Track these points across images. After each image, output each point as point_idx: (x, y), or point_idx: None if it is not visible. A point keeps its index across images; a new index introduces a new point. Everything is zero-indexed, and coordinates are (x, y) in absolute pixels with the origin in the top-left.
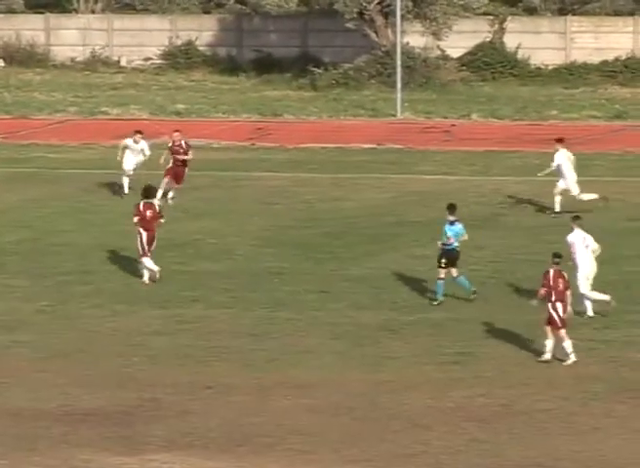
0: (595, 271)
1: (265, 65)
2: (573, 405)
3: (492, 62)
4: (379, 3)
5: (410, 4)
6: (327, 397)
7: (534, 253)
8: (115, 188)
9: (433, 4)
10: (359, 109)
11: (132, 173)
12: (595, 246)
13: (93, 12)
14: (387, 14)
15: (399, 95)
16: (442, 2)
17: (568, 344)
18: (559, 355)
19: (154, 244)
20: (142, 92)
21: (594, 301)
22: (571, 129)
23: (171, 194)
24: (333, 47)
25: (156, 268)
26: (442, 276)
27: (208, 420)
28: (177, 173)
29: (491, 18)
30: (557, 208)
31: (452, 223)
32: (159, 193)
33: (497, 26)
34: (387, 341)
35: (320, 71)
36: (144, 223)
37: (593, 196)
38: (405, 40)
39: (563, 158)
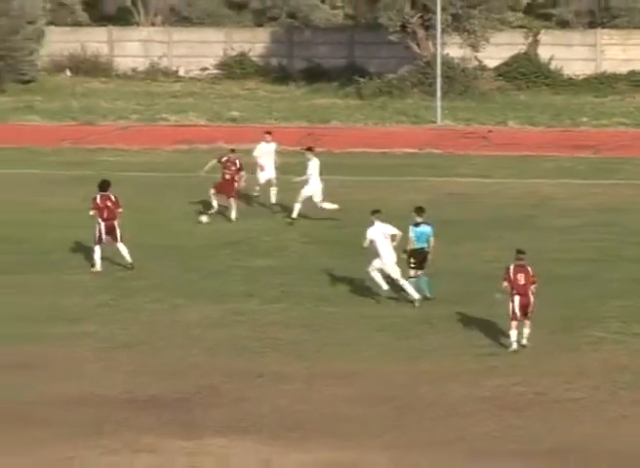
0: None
1: (314, 75)
2: (602, 393)
3: (527, 73)
4: (420, 17)
5: (449, 18)
6: (370, 386)
7: (564, 251)
8: (174, 190)
9: (472, 18)
10: (402, 116)
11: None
12: (397, 232)
13: (153, 25)
14: (428, 27)
15: (439, 103)
16: (480, 16)
17: (513, 333)
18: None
19: (117, 233)
20: (200, 99)
21: (403, 284)
22: (601, 135)
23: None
24: (378, 58)
25: (129, 259)
26: (412, 275)
27: (261, 407)
28: (225, 188)
29: (525, 31)
30: (295, 214)
31: (417, 225)
32: (214, 204)
33: (531, 39)
34: (426, 334)
35: (365, 81)
36: (102, 214)
37: (334, 206)
38: (445, 51)
39: (314, 166)
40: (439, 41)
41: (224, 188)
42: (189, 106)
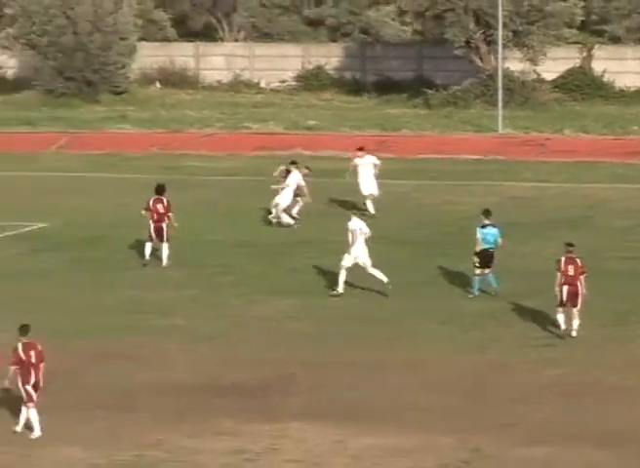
0: (367, 251)
1: (385, 87)
2: None
3: (581, 85)
4: (483, 33)
5: (510, 34)
6: (437, 375)
7: (619, 249)
8: (256, 193)
9: (531, 34)
10: (466, 125)
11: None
12: (368, 231)
13: (236, 40)
14: (490, 42)
15: (500, 112)
16: (538, 32)
17: (560, 318)
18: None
19: (164, 233)
20: (279, 109)
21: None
22: None
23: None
24: (444, 71)
25: (164, 259)
26: (477, 273)
27: (336, 394)
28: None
29: (580, 46)
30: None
31: (484, 227)
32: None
33: (585, 54)
34: (490, 327)
35: (433, 92)
36: (152, 216)
37: (290, 222)
38: (506, 65)
39: (294, 180)
40: (500, 55)
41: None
42: (270, 115)
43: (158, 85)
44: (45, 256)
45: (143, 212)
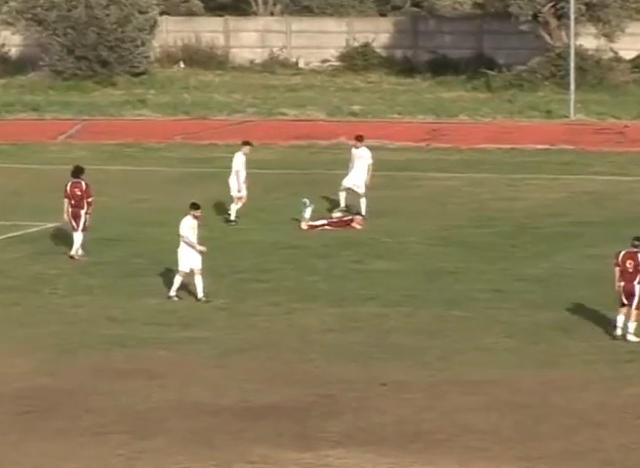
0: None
1: (440, 67)
2: None
3: None
4: (552, 6)
5: (583, 7)
6: (499, 394)
7: None
8: (293, 188)
9: (606, 7)
10: (533, 110)
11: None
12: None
13: (271, 14)
14: (561, 16)
15: (572, 96)
16: (615, 5)
17: (619, 319)
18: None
19: (80, 221)
20: (319, 93)
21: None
22: None
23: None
24: (507, 49)
25: (74, 250)
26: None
27: (382, 417)
28: None
29: None
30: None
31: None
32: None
33: None
34: (561, 340)
35: (494, 73)
36: (70, 201)
37: (233, 215)
38: (578, 42)
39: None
40: (572, 31)
41: None
42: (308, 100)
43: (182, 65)
44: (54, 260)
45: (65, 201)
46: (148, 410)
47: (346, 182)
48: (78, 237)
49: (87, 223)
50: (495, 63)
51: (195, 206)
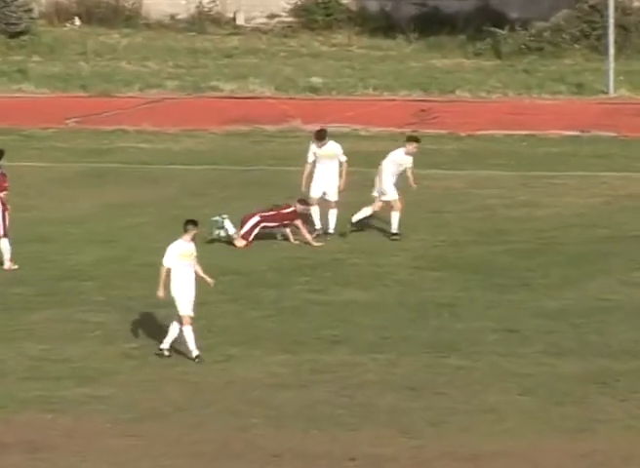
0: None
1: (431, 24)
2: None
3: None
4: None
5: None
6: None
7: None
8: (228, 190)
9: None
10: (558, 84)
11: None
12: None
13: None
14: None
15: (611, 65)
16: None
17: None
18: None
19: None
20: (266, 60)
21: None
22: None
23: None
24: None
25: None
26: None
27: None
28: None
29: None
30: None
31: None
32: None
33: None
34: (596, 398)
35: (504, 32)
36: None
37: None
38: None
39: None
40: None
41: None
42: (250, 70)
43: (77, 22)
44: None
45: None
46: None
47: (315, 192)
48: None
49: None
50: (505, 19)
51: (191, 222)
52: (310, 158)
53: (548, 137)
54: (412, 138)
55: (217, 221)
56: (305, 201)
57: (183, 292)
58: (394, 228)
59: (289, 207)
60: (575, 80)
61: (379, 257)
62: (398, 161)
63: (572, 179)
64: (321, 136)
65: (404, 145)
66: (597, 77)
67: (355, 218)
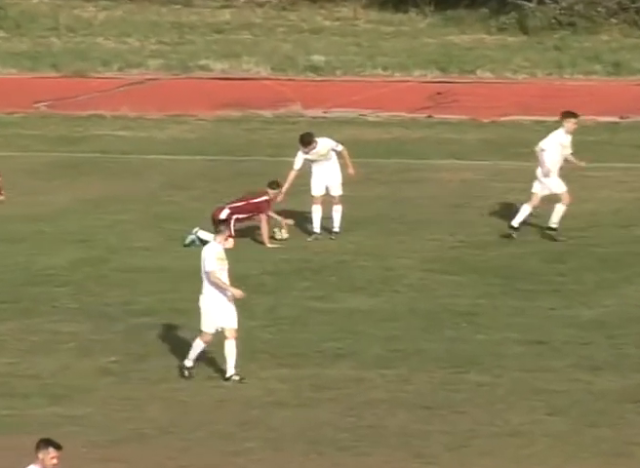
0: None
1: None
2: None
3: None
4: None
5: None
6: None
7: None
8: (218, 183)
9: None
10: (593, 63)
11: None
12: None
13: None
14: None
15: None
16: None
17: None
18: None
19: None
20: (261, 36)
21: None
22: None
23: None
24: None
25: None
26: None
27: None
28: None
29: None
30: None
31: None
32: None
33: None
34: (634, 418)
35: (532, 5)
36: None
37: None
38: None
39: None
40: None
41: None
42: (244, 47)
43: None
44: None
45: None
46: None
47: (316, 190)
48: None
49: None
50: None
51: (221, 222)
52: (298, 165)
53: (582, 124)
54: (569, 114)
55: (193, 242)
56: (278, 183)
57: (214, 303)
58: (554, 222)
59: (262, 195)
60: (611, 59)
61: (388, 260)
62: (563, 143)
63: (608, 172)
64: (307, 142)
65: (561, 125)
66: (636, 55)
67: (516, 221)
